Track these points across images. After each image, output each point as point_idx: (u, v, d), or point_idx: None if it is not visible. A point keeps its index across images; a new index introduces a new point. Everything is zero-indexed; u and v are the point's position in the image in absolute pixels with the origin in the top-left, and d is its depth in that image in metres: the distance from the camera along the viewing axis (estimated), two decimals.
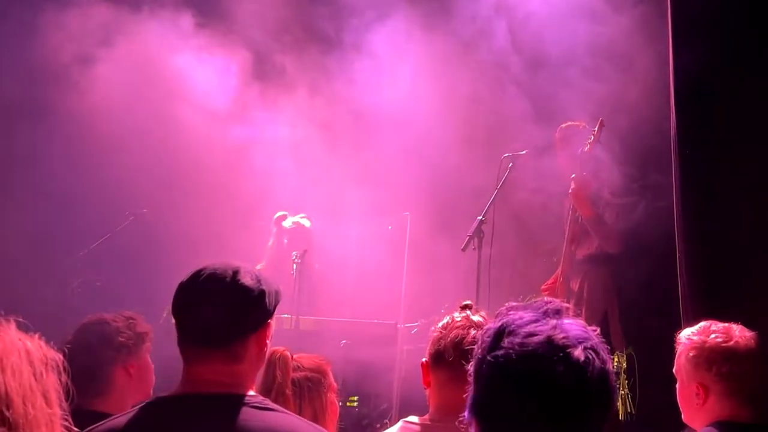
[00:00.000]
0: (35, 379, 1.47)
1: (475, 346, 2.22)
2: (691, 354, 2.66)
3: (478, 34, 5.88)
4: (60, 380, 1.52)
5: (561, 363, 1.36)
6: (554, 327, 1.39)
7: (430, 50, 6.04)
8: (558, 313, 1.44)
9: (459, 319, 2.36)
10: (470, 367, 1.48)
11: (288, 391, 2.66)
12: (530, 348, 1.37)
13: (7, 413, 1.39)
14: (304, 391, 2.72)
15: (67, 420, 1.53)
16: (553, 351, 1.37)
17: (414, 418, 2.34)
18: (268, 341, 2.09)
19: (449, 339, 2.31)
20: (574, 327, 1.41)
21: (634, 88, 5.03)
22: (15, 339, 1.48)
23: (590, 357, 1.37)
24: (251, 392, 2.03)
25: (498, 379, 1.40)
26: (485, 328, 1.48)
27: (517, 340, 1.38)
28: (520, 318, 1.42)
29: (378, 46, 6.12)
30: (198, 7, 6.44)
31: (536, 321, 1.41)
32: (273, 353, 2.71)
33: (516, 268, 6.61)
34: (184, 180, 6.18)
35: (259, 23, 6.48)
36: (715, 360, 2.62)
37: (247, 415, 1.93)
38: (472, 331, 2.30)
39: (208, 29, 6.36)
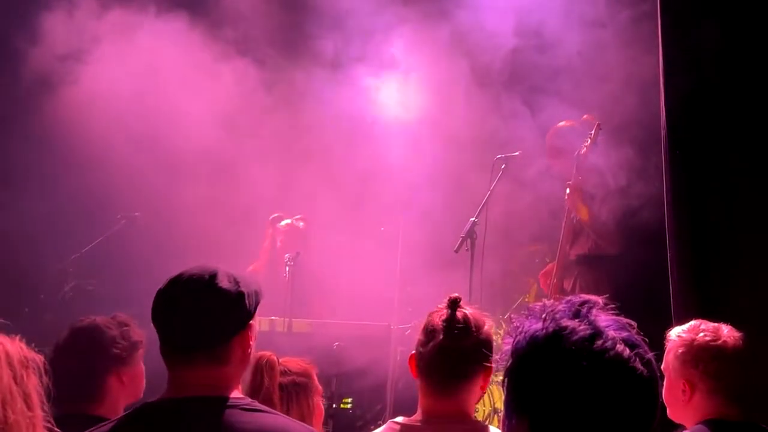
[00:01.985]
0: (15, 383, 1.46)
1: (456, 355, 2.21)
2: (679, 351, 2.71)
3: (475, 37, 5.89)
4: (41, 382, 1.51)
5: (627, 379, 1.36)
6: (616, 340, 1.37)
7: (426, 55, 6.05)
8: (597, 312, 1.42)
9: (447, 325, 2.27)
10: (501, 364, 1.44)
11: (275, 397, 2.66)
12: (600, 364, 1.35)
13: None
14: (291, 396, 2.72)
15: (49, 422, 1.52)
16: (621, 367, 1.36)
17: (400, 419, 2.33)
18: (251, 342, 2.08)
19: (439, 353, 2.25)
20: (624, 334, 1.39)
21: (629, 86, 5.04)
22: None
23: (650, 368, 1.38)
24: (238, 394, 2.04)
25: (562, 395, 1.36)
26: (527, 333, 1.41)
27: (585, 355, 1.35)
28: (579, 330, 1.38)
29: (374, 53, 6.12)
30: (197, 13, 6.44)
31: (598, 336, 1.37)
32: (260, 358, 2.71)
33: (508, 268, 6.62)
34: (177, 183, 6.17)
35: (255, 30, 6.48)
36: (702, 358, 2.66)
37: (235, 416, 1.94)
38: (466, 342, 2.25)
39: (205, 35, 6.36)
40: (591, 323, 1.39)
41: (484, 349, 2.29)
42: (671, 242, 3.69)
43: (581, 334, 1.36)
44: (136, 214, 6.28)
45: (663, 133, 3.78)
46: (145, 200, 6.25)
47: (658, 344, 2.80)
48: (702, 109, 3.67)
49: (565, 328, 1.37)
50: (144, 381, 2.90)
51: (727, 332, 2.70)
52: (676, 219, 3.68)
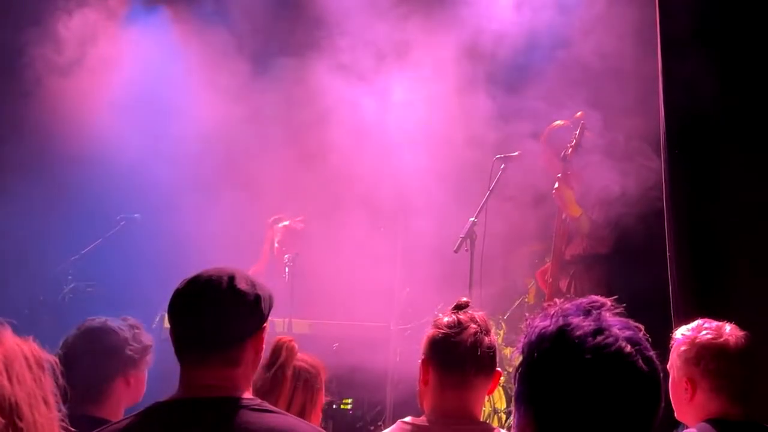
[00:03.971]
0: (36, 385, 1.46)
1: (475, 352, 2.27)
2: (682, 349, 2.72)
3: (473, 40, 5.90)
4: (57, 383, 1.52)
5: (628, 374, 1.40)
6: (618, 337, 1.42)
7: (425, 57, 6.06)
8: (602, 313, 1.47)
9: (467, 323, 2.35)
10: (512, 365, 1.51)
11: (288, 373, 2.71)
12: (601, 359, 1.40)
13: (20, 423, 1.40)
14: (300, 380, 2.76)
15: (63, 421, 1.53)
16: (621, 363, 1.41)
17: (409, 419, 2.35)
18: (263, 345, 2.12)
19: (466, 346, 2.31)
20: (628, 333, 1.45)
21: (628, 85, 5.04)
22: (13, 344, 1.48)
23: (650, 367, 1.43)
24: (248, 395, 2.05)
25: (564, 386, 1.41)
26: (537, 329, 1.48)
27: (588, 350, 1.41)
28: (584, 326, 1.44)
29: (377, 53, 6.13)
30: (199, 12, 6.45)
31: (601, 330, 1.43)
32: (280, 339, 2.78)
33: (508, 268, 6.62)
34: (176, 184, 6.18)
35: (254, 27, 6.48)
36: (703, 356, 2.67)
37: (245, 417, 1.96)
38: (486, 338, 2.33)
39: (201, 33, 6.36)
40: (596, 320, 1.45)
41: (495, 353, 2.38)
42: (670, 242, 3.69)
43: (585, 329, 1.43)
44: (136, 215, 6.28)
45: (662, 132, 3.78)
46: (146, 202, 6.26)
47: (655, 343, 2.80)
48: (702, 107, 3.68)
49: (570, 323, 1.45)
50: (145, 386, 2.91)
51: (729, 331, 2.70)
52: (675, 219, 3.69)
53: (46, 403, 1.47)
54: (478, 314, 2.40)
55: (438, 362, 2.34)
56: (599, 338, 1.41)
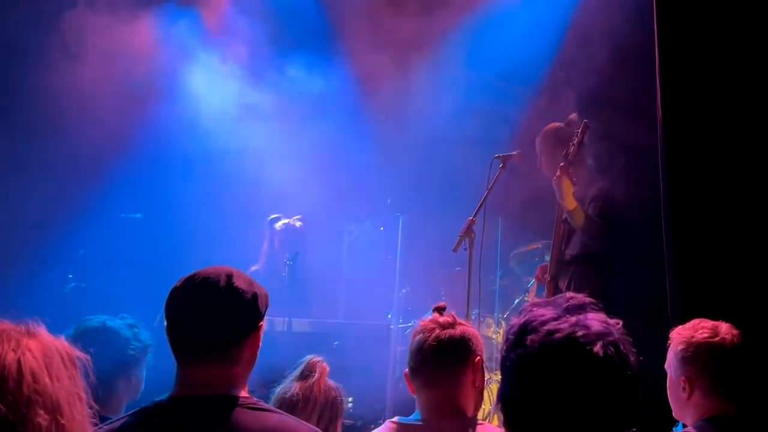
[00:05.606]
0: (71, 382, 1.47)
1: (435, 346, 2.32)
2: (678, 348, 2.74)
3: (473, 40, 5.92)
4: (88, 381, 1.54)
5: (581, 360, 1.40)
6: (575, 324, 1.43)
7: (426, 56, 6.07)
8: (581, 308, 1.48)
9: (420, 324, 2.47)
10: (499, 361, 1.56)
11: (323, 388, 2.77)
12: (551, 346, 1.41)
13: (62, 421, 1.41)
14: (329, 398, 2.81)
15: (94, 418, 1.54)
16: (574, 348, 1.41)
17: (398, 419, 2.42)
18: (260, 343, 2.13)
19: (413, 346, 2.44)
20: (595, 323, 1.44)
21: (624, 80, 5.04)
22: (49, 342, 1.49)
23: (610, 353, 1.41)
24: (245, 393, 2.06)
25: (520, 375, 1.44)
26: (510, 324, 1.51)
27: (538, 338, 1.42)
28: (542, 315, 1.46)
29: (373, 50, 6.14)
30: (196, 9, 6.47)
31: (557, 318, 1.44)
32: (314, 358, 2.85)
33: (507, 267, 6.64)
34: (177, 184, 6.19)
35: (253, 22, 6.49)
36: (700, 355, 2.69)
37: (242, 415, 1.97)
38: (436, 332, 2.41)
39: (210, 33, 6.37)
40: (559, 311, 1.46)
41: (467, 344, 2.42)
42: (668, 241, 3.70)
43: (541, 318, 1.45)
44: (137, 215, 6.29)
45: (660, 131, 3.79)
46: (146, 202, 6.27)
47: (653, 342, 2.82)
48: (700, 104, 3.68)
49: (534, 316, 1.47)
50: (143, 383, 2.92)
51: (725, 329, 2.73)
52: (673, 217, 3.69)
53: (80, 400, 1.48)
54: (451, 314, 2.49)
55: (409, 365, 2.46)
56: (552, 324, 1.43)
